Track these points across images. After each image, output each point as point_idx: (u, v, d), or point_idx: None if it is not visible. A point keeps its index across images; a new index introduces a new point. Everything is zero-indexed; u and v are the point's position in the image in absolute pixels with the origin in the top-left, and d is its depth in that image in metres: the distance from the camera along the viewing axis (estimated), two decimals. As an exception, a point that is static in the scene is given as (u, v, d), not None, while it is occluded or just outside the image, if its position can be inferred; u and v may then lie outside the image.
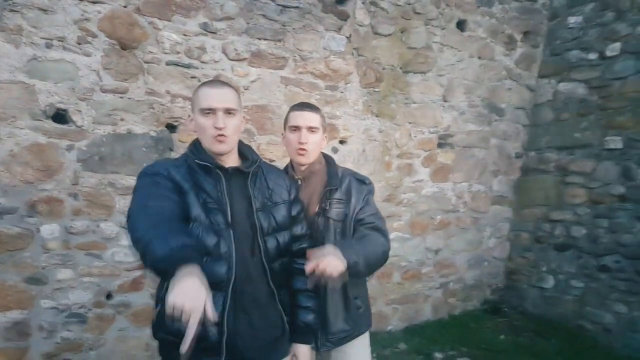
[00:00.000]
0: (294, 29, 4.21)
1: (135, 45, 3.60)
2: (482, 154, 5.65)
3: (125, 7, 3.53)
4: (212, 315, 1.44)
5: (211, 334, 1.78)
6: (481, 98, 5.51)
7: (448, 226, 5.54)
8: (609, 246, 5.04)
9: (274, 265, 2.06)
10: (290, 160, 2.48)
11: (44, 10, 3.27)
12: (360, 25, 4.57)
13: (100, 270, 3.64)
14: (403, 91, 4.93)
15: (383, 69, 4.77)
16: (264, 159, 2.29)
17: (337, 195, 2.37)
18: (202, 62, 3.85)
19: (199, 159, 1.97)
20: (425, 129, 5.15)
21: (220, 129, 1.92)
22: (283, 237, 2.10)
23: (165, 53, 3.71)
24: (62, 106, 3.40)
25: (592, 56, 5.31)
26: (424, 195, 5.28)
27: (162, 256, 1.52)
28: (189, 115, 2.07)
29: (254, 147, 3.43)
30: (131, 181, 3.63)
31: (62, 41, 3.35)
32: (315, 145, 2.36)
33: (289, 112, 2.43)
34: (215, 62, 3.90)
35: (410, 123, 5.03)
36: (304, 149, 2.32)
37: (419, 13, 4.89)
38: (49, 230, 3.45)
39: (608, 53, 5.16)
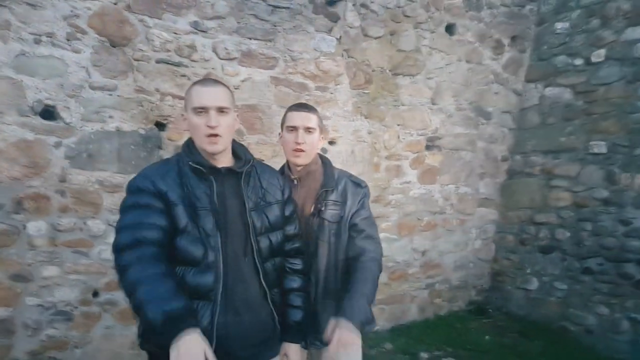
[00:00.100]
0: (284, 29, 4.22)
1: (125, 43, 3.59)
2: (469, 156, 5.70)
3: (115, 4, 3.52)
4: None
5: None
6: (469, 101, 5.56)
7: (435, 227, 5.58)
8: (592, 249, 5.10)
9: (267, 265, 2.06)
10: (287, 160, 2.47)
11: (33, 6, 3.26)
12: (351, 27, 4.59)
13: (87, 268, 3.62)
14: (392, 93, 4.96)
15: (373, 71, 4.80)
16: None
17: (333, 197, 2.38)
18: (192, 60, 3.85)
19: (192, 161, 1.96)
20: (413, 131, 5.19)
21: (212, 127, 1.90)
22: (276, 236, 2.10)
23: (155, 51, 3.70)
24: (50, 102, 3.38)
25: (578, 62, 5.37)
26: (412, 197, 5.32)
27: (159, 323, 1.63)
28: (182, 114, 2.06)
29: (244, 147, 3.43)
30: (119, 179, 3.63)
31: (51, 37, 3.33)
32: (311, 145, 2.36)
33: (286, 112, 2.44)
34: (206, 60, 3.90)
35: (399, 125, 5.06)
36: (300, 149, 2.32)
37: (408, 16, 4.92)
38: (36, 227, 3.43)
39: (593, 59, 5.22)
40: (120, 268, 1.78)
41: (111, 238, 3.55)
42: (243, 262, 1.99)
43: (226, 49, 3.95)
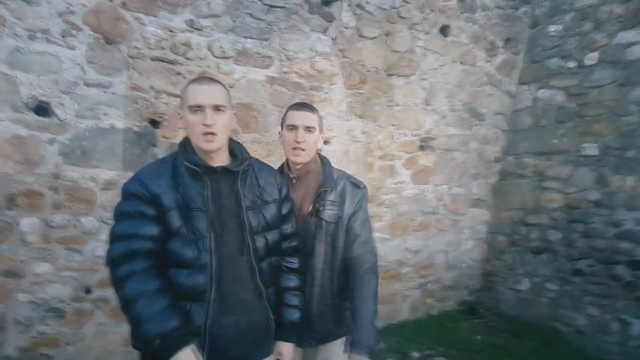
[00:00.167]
0: (280, 28, 4.23)
1: (120, 40, 3.59)
2: (462, 157, 5.73)
3: (110, 1, 3.53)
4: None
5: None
6: (462, 102, 5.58)
7: (428, 227, 5.61)
8: (583, 250, 5.13)
9: (262, 265, 2.06)
10: (286, 159, 2.48)
11: (28, 2, 3.26)
12: (346, 28, 4.61)
13: (80, 265, 3.62)
14: (386, 94, 4.98)
15: (367, 71, 4.81)
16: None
17: (331, 197, 2.38)
18: (187, 58, 3.85)
19: (188, 161, 1.96)
20: (407, 131, 5.21)
21: (208, 126, 1.90)
22: (272, 235, 2.09)
23: (151, 49, 3.70)
24: (44, 99, 3.38)
25: (571, 64, 5.41)
26: (405, 197, 5.34)
27: (156, 342, 1.75)
28: (179, 113, 2.05)
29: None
30: (113, 176, 3.64)
31: (45, 33, 3.33)
32: (311, 144, 2.37)
33: (287, 111, 2.44)
34: (201, 59, 3.90)
35: (393, 125, 5.08)
36: (300, 148, 2.32)
37: (403, 17, 4.94)
38: (29, 223, 3.43)
39: (586, 62, 5.26)
40: (116, 281, 1.84)
41: (104, 235, 3.60)
42: (239, 261, 1.99)
43: (221, 47, 3.96)
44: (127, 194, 1.94)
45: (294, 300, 2.20)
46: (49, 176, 3.45)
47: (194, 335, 1.87)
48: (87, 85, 3.50)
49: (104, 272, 3.65)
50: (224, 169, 2.01)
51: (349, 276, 2.38)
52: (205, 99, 1.91)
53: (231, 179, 2.02)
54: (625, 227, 4.82)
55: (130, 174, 3.58)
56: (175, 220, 1.90)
